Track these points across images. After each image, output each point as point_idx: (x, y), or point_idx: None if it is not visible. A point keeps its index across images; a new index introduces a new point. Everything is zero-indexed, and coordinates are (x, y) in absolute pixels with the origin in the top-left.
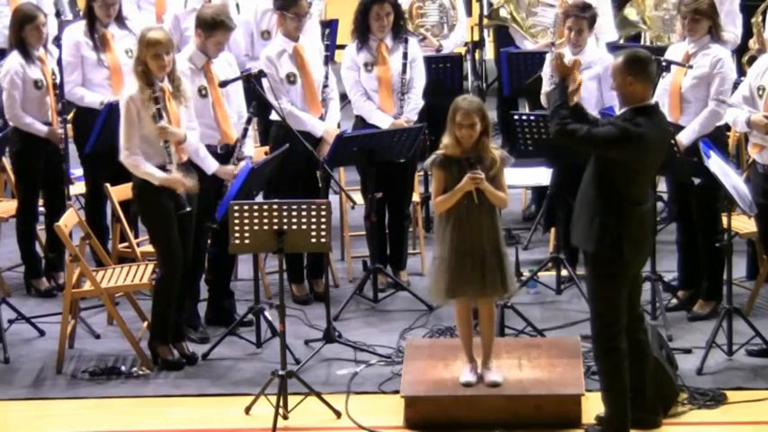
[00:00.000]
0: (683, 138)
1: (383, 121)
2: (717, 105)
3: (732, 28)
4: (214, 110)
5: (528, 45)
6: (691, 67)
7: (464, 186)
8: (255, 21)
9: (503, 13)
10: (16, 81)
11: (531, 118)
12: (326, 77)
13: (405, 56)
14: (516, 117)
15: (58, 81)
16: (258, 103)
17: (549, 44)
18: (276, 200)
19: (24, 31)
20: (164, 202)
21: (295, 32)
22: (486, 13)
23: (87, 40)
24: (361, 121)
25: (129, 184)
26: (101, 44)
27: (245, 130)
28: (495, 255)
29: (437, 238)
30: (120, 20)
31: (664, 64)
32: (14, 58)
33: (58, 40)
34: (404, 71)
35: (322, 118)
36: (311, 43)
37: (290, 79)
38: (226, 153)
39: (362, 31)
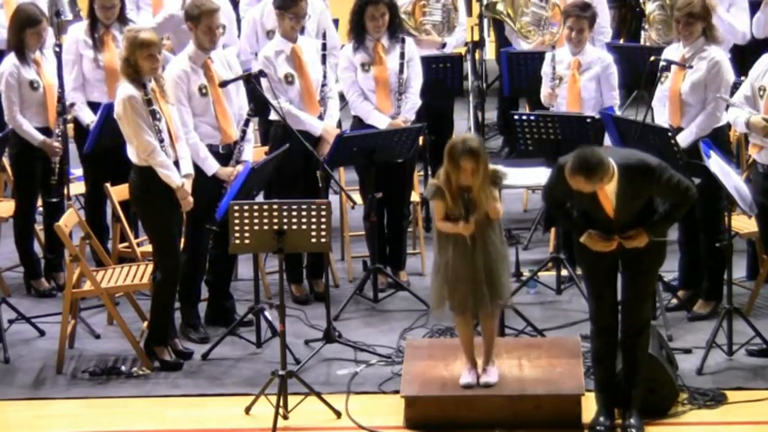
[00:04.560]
0: (682, 140)
1: (381, 122)
2: (714, 108)
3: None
4: (215, 109)
5: (522, 45)
6: (690, 67)
7: (459, 231)
8: (261, 20)
9: (499, 7)
10: (11, 82)
11: (531, 118)
12: (325, 76)
13: (402, 55)
14: (516, 117)
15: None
16: (256, 104)
17: (543, 43)
18: (276, 200)
19: (25, 33)
20: (166, 204)
21: (292, 33)
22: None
23: (87, 38)
24: (358, 122)
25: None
26: (99, 44)
27: (244, 132)
28: (488, 267)
29: (435, 247)
30: (124, 21)
31: (664, 64)
32: (9, 59)
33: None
34: (401, 71)
35: (321, 117)
36: (309, 43)
37: (288, 80)
38: (227, 153)
39: (358, 32)
